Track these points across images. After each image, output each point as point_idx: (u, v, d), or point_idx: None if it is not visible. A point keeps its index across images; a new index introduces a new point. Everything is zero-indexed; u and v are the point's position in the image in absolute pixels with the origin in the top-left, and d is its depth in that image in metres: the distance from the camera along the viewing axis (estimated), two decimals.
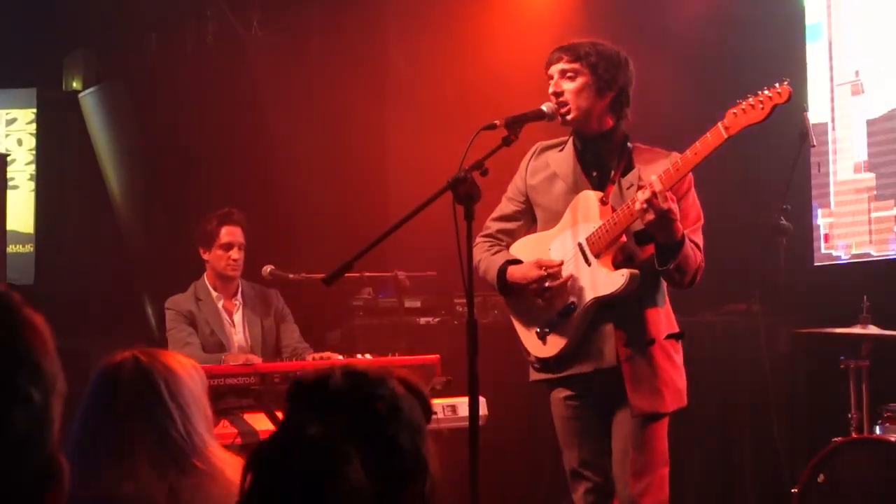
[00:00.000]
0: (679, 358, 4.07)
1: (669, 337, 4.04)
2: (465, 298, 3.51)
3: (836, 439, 5.19)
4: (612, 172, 4.03)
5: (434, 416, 4.94)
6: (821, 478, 5.06)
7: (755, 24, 6.69)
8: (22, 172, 9.42)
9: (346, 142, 7.74)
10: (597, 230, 3.94)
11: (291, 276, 5.78)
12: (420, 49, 7.66)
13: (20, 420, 1.31)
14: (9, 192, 6.53)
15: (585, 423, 4.09)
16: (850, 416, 5.27)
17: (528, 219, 4.24)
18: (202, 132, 8.28)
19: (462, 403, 4.97)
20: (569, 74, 4.02)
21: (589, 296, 3.96)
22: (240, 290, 5.93)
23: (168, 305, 5.87)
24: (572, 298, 3.99)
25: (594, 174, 4.08)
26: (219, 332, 5.77)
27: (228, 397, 5.00)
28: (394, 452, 1.70)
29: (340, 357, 5.32)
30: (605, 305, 3.95)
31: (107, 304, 8.63)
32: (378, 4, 8.06)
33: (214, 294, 5.87)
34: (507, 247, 4.22)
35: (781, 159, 5.78)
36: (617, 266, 3.94)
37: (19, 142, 9.54)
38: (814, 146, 5.51)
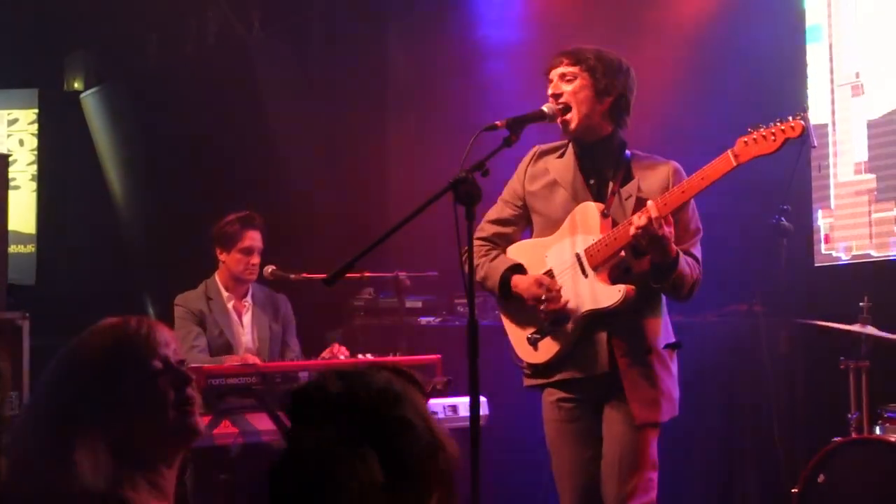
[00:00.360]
0: (675, 367, 4.09)
1: (667, 347, 4.06)
2: (465, 299, 3.52)
3: (835, 439, 5.20)
4: (612, 184, 4.03)
5: (435, 416, 4.95)
6: (821, 478, 5.07)
7: (755, 25, 6.69)
8: (23, 173, 9.44)
9: (346, 141, 7.75)
10: (596, 243, 3.95)
11: (292, 276, 5.78)
12: (421, 48, 7.67)
13: None
14: (10, 193, 6.51)
15: (576, 426, 4.09)
16: (849, 416, 5.28)
17: (523, 223, 4.24)
18: (203, 132, 8.29)
19: (463, 403, 4.99)
20: (567, 77, 4.03)
21: (584, 307, 3.97)
22: (250, 291, 5.93)
23: (177, 302, 5.84)
24: (567, 307, 4.00)
25: (591, 181, 4.09)
26: (227, 333, 5.78)
27: (230, 397, 5.01)
28: (407, 430, 1.73)
29: (346, 352, 5.32)
30: (599, 316, 3.96)
31: (108, 304, 8.61)
32: (379, 5, 8.07)
33: (225, 294, 5.87)
34: (504, 251, 4.22)
35: (782, 160, 5.78)
36: (614, 279, 3.95)
37: (21, 142, 9.55)
38: (814, 147, 5.52)
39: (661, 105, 6.05)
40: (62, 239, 9.41)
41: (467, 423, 3.47)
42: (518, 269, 4.12)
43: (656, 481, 4.03)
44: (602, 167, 4.08)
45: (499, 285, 4.10)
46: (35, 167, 9.49)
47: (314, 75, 8.15)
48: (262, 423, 5.02)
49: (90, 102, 9.51)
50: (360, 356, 5.22)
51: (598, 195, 4.05)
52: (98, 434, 2.22)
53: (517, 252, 4.19)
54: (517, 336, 4.15)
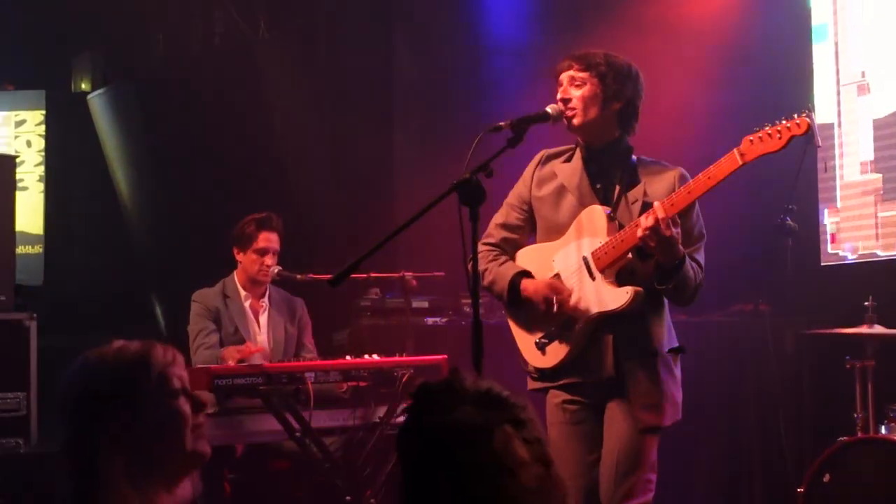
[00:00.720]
0: (678, 371, 4.09)
1: (671, 351, 4.06)
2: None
3: (842, 439, 5.20)
4: (618, 188, 4.04)
5: None
6: (827, 477, 5.07)
7: (761, 24, 6.69)
8: (31, 174, 9.46)
9: (353, 142, 7.75)
10: (602, 246, 3.96)
11: (298, 276, 5.80)
12: (427, 49, 7.68)
13: None
14: (18, 194, 6.52)
15: (581, 429, 4.10)
16: (855, 415, 5.28)
17: (530, 227, 4.25)
18: (209, 133, 8.30)
19: None
20: (577, 82, 4.04)
21: (592, 310, 3.98)
22: (267, 292, 5.97)
23: (195, 298, 5.90)
24: (575, 311, 4.01)
25: (598, 186, 4.09)
26: (243, 331, 5.82)
27: (236, 397, 5.02)
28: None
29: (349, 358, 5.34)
30: (606, 319, 3.97)
31: (115, 304, 8.66)
32: (384, 5, 8.08)
33: (243, 293, 5.93)
34: (512, 256, 4.23)
35: (787, 160, 5.78)
36: (621, 282, 3.96)
37: (28, 143, 9.58)
38: (819, 146, 5.51)
39: (668, 105, 6.05)
40: (70, 240, 9.44)
41: None
42: (526, 274, 4.13)
43: (655, 482, 4.04)
44: (609, 172, 4.09)
45: (507, 290, 4.11)
46: (42, 168, 9.51)
47: (320, 76, 8.16)
48: (268, 423, 5.03)
49: (97, 103, 9.53)
50: (366, 356, 5.23)
51: (605, 199, 4.06)
52: (116, 453, 2.25)
53: (524, 257, 4.20)
54: (525, 341, 4.16)
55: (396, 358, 5.23)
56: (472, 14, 7.66)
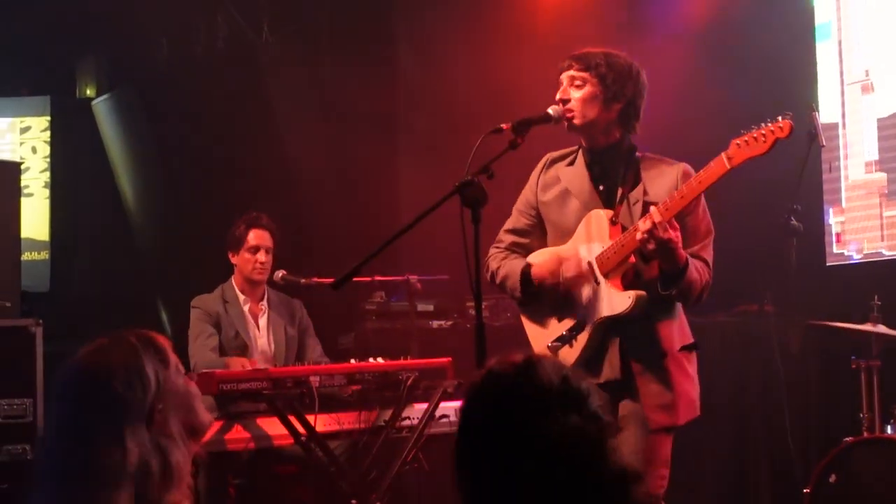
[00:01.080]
0: (693, 369, 4.08)
1: (683, 349, 4.05)
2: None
3: (847, 439, 5.19)
4: (620, 190, 4.03)
5: (446, 419, 4.97)
6: (832, 478, 5.06)
7: (765, 23, 6.68)
8: (36, 180, 9.48)
9: (357, 145, 7.75)
10: (606, 250, 3.96)
11: (303, 280, 5.81)
12: (430, 52, 7.68)
13: None
14: (23, 200, 6.56)
15: None
16: (861, 415, 5.27)
17: (539, 232, 4.24)
18: (213, 137, 8.31)
19: None
20: (577, 83, 4.03)
21: (598, 314, 3.98)
22: (266, 295, 5.99)
23: (195, 304, 5.93)
24: (582, 315, 4.02)
25: (601, 188, 4.09)
26: (244, 335, 5.84)
27: (241, 402, 5.03)
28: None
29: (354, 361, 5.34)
30: (614, 322, 3.97)
31: (121, 309, 8.67)
32: (388, 8, 8.08)
33: (241, 297, 5.95)
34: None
35: (791, 159, 5.78)
36: (626, 285, 3.96)
37: (33, 149, 9.59)
38: (823, 146, 5.51)
39: (671, 104, 6.04)
40: (75, 246, 9.45)
41: None
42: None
43: (668, 479, 4.03)
44: (611, 173, 4.08)
45: (520, 279, 4.10)
46: (48, 174, 9.53)
47: (324, 79, 8.16)
48: (273, 427, 5.04)
49: (101, 109, 9.54)
50: (371, 360, 5.23)
51: (608, 202, 4.06)
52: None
53: (536, 260, 4.20)
54: (539, 344, 4.17)
55: (401, 361, 5.23)
56: (477, 15, 7.65)
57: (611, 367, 3.98)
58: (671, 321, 4.03)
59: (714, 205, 4.10)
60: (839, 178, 6.51)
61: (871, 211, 6.35)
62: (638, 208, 3.96)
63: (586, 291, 4.01)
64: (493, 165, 3.59)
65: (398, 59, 8.11)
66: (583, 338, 4.01)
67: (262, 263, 5.89)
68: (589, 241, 4.03)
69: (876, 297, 5.30)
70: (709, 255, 4.01)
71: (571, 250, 4.07)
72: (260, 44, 8.35)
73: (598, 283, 3.99)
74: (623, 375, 3.97)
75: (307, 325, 6.07)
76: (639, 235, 3.77)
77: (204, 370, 5.01)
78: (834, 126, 6.48)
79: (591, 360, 4.00)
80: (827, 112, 6.47)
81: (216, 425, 4.89)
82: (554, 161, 4.22)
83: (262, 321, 5.97)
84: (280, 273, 5.85)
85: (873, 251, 6.34)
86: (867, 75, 6.43)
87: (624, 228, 3.96)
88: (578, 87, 4.02)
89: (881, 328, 5.22)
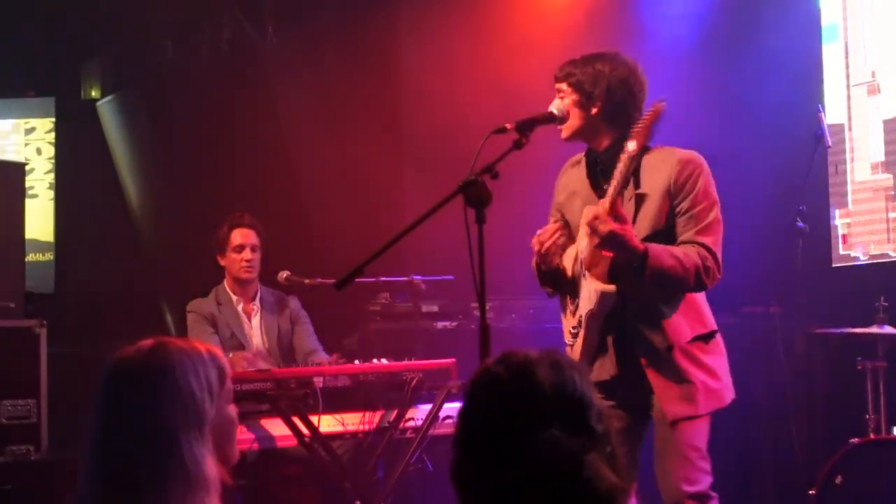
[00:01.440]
0: (710, 358, 4.02)
1: (696, 339, 4.00)
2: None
3: (853, 440, 5.18)
4: (616, 185, 4.02)
5: (451, 420, 4.97)
6: (838, 479, 5.05)
7: (771, 25, 6.67)
8: (41, 181, 9.47)
9: (361, 146, 7.75)
10: (586, 245, 3.99)
11: (307, 281, 5.81)
12: (435, 50, 7.67)
13: None
14: (28, 201, 6.55)
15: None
16: (867, 417, 5.26)
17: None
18: (218, 139, 8.31)
19: None
20: (561, 94, 4.10)
21: (584, 309, 4.02)
22: (258, 294, 6.03)
23: (190, 309, 6.00)
24: (579, 311, 4.06)
25: (605, 187, 4.10)
26: (238, 335, 5.89)
27: (244, 402, 5.02)
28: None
29: (358, 362, 5.34)
30: (608, 318, 3.97)
31: (126, 311, 8.66)
32: (392, 7, 8.08)
33: (234, 298, 6.01)
34: None
35: (797, 161, 5.77)
36: (609, 279, 3.96)
37: (38, 151, 9.59)
38: (829, 147, 5.50)
39: (676, 106, 6.03)
40: (80, 247, 9.44)
41: None
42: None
43: (709, 470, 4.03)
44: (611, 171, 4.08)
45: (537, 275, 4.15)
46: (53, 175, 9.52)
47: (328, 79, 8.16)
48: (277, 428, 5.03)
49: (106, 110, 9.54)
50: (375, 361, 5.23)
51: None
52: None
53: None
54: (566, 331, 4.21)
55: (405, 362, 5.23)
56: (481, 15, 7.64)
57: (611, 363, 4.01)
58: (676, 312, 3.98)
59: (720, 206, 4.08)
60: (845, 180, 6.49)
61: (878, 212, 6.33)
62: (632, 204, 3.97)
63: (582, 287, 4.05)
64: (497, 165, 3.58)
65: (402, 60, 8.11)
66: (581, 333, 4.04)
67: (247, 261, 5.94)
68: (581, 239, 4.07)
69: (882, 299, 5.29)
70: (710, 239, 3.93)
71: (575, 247, 4.10)
72: (264, 45, 8.35)
73: (586, 279, 4.02)
74: (628, 370, 3.98)
75: (299, 316, 6.09)
76: (581, 230, 3.83)
77: None
78: (840, 127, 6.47)
79: (594, 355, 4.04)
80: (833, 113, 6.45)
81: None
82: (571, 165, 4.28)
83: (255, 320, 6.03)
84: (284, 274, 5.87)
85: (879, 252, 6.32)
86: (873, 77, 6.42)
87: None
88: (561, 97, 4.09)
89: (887, 329, 5.21)
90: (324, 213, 8.00)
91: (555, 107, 4.06)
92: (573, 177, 4.20)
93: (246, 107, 8.20)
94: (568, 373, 1.84)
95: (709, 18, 6.88)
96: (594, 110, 4.03)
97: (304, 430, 4.94)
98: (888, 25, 6.36)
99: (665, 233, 3.95)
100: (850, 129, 6.48)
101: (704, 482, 4.02)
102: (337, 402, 5.11)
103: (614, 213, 3.79)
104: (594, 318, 3.99)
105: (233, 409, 2.36)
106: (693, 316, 4.03)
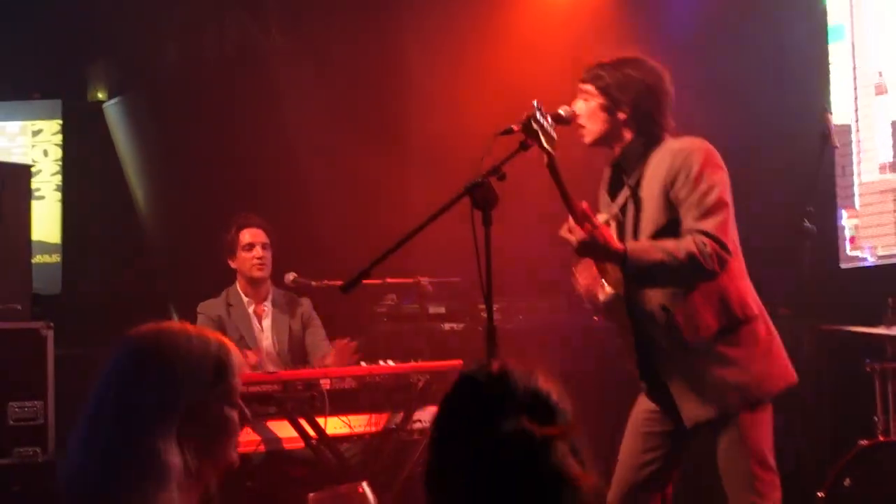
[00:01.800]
0: (735, 350, 3.90)
1: (721, 332, 3.90)
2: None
3: (861, 442, 5.16)
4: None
5: None
6: (847, 482, 5.03)
7: (777, 25, 6.66)
8: (48, 183, 9.47)
9: (367, 147, 7.74)
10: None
11: (314, 283, 5.82)
12: (440, 52, 7.67)
13: None
14: (35, 203, 6.57)
15: (641, 428, 4.12)
16: (875, 418, 5.24)
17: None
18: (224, 140, 8.31)
19: None
20: (585, 96, 4.05)
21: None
22: (270, 295, 6.01)
23: (199, 310, 6.01)
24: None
25: (622, 183, 4.12)
26: (248, 337, 5.86)
27: (251, 404, 5.01)
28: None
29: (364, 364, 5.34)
30: (625, 322, 3.98)
31: (133, 313, 8.64)
32: (397, 9, 8.07)
33: (245, 299, 5.98)
34: None
35: (804, 162, 5.76)
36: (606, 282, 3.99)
37: (45, 153, 9.59)
38: (836, 147, 5.48)
39: (683, 105, 6.01)
40: (87, 249, 9.44)
41: None
42: None
43: (768, 481, 3.95)
44: (628, 170, 4.06)
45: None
46: (59, 177, 9.52)
47: (333, 81, 8.16)
48: (284, 430, 5.03)
49: (112, 112, 9.55)
50: (381, 362, 5.22)
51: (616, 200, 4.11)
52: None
53: None
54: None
55: (412, 364, 5.22)
56: (488, 15, 7.64)
57: (638, 372, 4.04)
58: (690, 309, 3.88)
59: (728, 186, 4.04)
60: (852, 181, 6.48)
61: (885, 213, 6.31)
62: (632, 205, 3.98)
63: None
64: (503, 167, 3.57)
65: (408, 62, 8.10)
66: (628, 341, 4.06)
67: (259, 258, 5.94)
68: None
69: (890, 300, 5.27)
70: (711, 223, 3.81)
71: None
72: (269, 46, 8.35)
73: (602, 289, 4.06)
74: (653, 377, 4.00)
75: (311, 317, 6.08)
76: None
77: None
78: (847, 128, 6.45)
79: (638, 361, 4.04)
80: (840, 114, 6.44)
81: None
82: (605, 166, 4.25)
83: (266, 322, 6.00)
84: (291, 276, 5.87)
85: (887, 253, 6.30)
86: (881, 77, 6.40)
87: (620, 224, 4.00)
88: (586, 99, 4.05)
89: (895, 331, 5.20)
90: (330, 214, 7.99)
91: (574, 107, 4.02)
92: (604, 176, 4.18)
93: (251, 107, 8.20)
94: (540, 379, 1.88)
95: (714, 19, 6.87)
96: (621, 116, 4.00)
97: (311, 433, 4.94)
98: (895, 25, 6.34)
99: (671, 227, 3.87)
100: (857, 128, 6.46)
101: (771, 493, 3.96)
102: (344, 403, 5.11)
103: (583, 219, 3.74)
104: (620, 326, 4.00)
105: (231, 412, 2.30)
106: (719, 307, 3.90)
